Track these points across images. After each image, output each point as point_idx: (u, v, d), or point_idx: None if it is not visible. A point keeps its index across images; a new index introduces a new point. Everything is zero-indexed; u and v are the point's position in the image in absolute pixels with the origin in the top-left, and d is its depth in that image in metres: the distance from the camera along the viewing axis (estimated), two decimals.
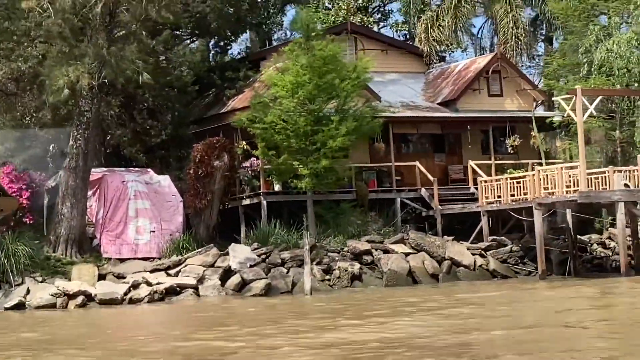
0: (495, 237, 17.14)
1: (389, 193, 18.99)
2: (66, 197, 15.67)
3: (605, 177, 14.49)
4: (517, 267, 16.77)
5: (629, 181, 14.57)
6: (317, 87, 16.00)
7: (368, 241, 15.72)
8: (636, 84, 18.09)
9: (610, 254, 17.57)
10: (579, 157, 15.10)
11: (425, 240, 16.14)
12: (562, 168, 15.75)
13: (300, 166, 16.08)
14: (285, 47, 17.68)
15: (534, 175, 15.89)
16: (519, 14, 23.76)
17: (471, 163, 19.46)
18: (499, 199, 16.76)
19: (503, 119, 20.58)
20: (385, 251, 15.54)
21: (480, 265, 16.09)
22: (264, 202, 17.35)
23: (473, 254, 16.21)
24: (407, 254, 15.54)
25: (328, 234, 16.47)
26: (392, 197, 18.84)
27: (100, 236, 16.49)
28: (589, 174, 14.65)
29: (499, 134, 20.80)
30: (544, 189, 15.36)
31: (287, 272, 14.32)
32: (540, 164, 18.19)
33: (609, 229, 18.22)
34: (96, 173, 16.95)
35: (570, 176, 15.01)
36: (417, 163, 19.09)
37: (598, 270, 16.99)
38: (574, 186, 14.65)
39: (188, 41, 22.83)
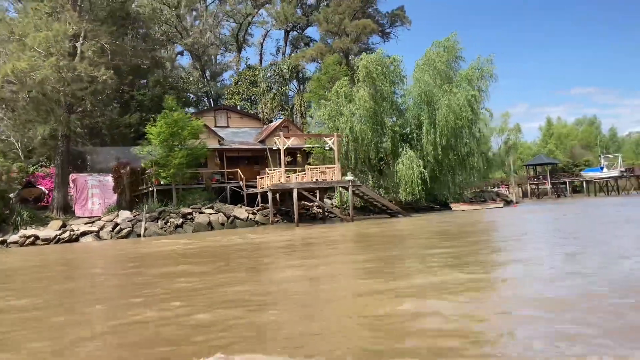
0: (264, 204, 33.45)
1: (222, 184, 35.80)
2: (56, 188, 33.64)
3: (290, 176, 30.38)
4: (273, 218, 33.12)
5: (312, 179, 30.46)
6: (169, 134, 32.62)
7: (193, 208, 32.36)
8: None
9: (321, 212, 33.51)
10: (281, 165, 30.88)
11: (223, 207, 32.66)
12: (281, 172, 31.76)
13: (162, 172, 33.01)
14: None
15: (276, 174, 31.97)
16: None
17: (267, 170, 35.92)
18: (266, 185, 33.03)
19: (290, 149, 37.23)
20: (201, 213, 32.17)
21: (250, 219, 32.40)
22: (155, 190, 34.45)
23: (247, 212, 32.57)
24: (211, 214, 32.12)
25: (180, 205, 33.36)
26: (224, 186, 35.62)
27: (75, 206, 34.41)
28: (287, 174, 30.60)
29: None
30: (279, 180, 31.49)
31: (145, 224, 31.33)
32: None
33: (327, 200, 34.18)
34: (73, 175, 34.76)
35: (283, 175, 30.99)
36: (238, 170, 35.75)
37: (312, 219, 33.02)
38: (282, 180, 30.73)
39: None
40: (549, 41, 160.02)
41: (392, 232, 21.78)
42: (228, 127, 42.34)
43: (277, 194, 33.84)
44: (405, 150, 35.99)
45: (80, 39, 29.50)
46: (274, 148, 31.29)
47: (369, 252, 14.30)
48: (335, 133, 32.18)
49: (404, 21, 51.15)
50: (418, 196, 35.77)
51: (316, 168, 30.45)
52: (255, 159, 38.27)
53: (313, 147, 37.17)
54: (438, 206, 39.75)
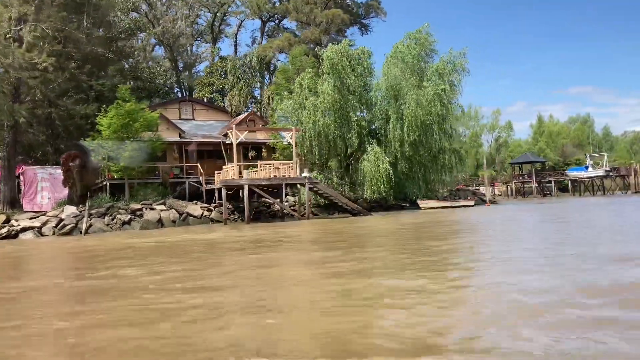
0: (221, 201, 31.92)
1: (182, 179, 34.24)
2: (3, 180, 32.08)
3: (244, 172, 28.87)
4: (230, 216, 31.54)
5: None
6: (121, 126, 31.06)
7: (144, 204, 30.85)
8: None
9: (279, 209, 32.01)
10: (234, 160, 29.36)
11: (175, 203, 31.15)
12: (234, 168, 30.21)
13: (113, 166, 31.44)
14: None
15: (229, 169, 30.43)
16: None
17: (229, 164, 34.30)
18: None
19: (255, 143, 35.68)
20: (152, 209, 30.66)
21: (205, 216, 30.89)
22: (108, 184, 32.88)
23: (202, 209, 31.05)
24: (162, 211, 30.61)
25: (132, 200, 31.83)
26: (183, 181, 34.07)
27: (23, 200, 32.87)
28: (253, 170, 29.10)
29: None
30: (231, 176, 29.94)
31: (90, 220, 29.78)
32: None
33: (290, 197, 32.64)
34: (22, 167, 33.20)
35: (235, 171, 29.46)
36: (198, 164, 34.16)
37: (271, 217, 31.51)
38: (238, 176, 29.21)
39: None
40: (547, 40, 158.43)
41: (332, 231, 20.32)
42: (193, 119, 40.84)
43: (240, 191, 32.42)
44: (372, 147, 34.52)
45: (22, 23, 27.97)
46: (227, 142, 29.73)
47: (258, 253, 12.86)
48: (293, 127, 30.63)
49: (379, 12, 49.48)
50: (384, 194, 34.36)
51: (270, 164, 28.89)
52: (219, 154, 36.68)
53: (278, 142, 35.68)
54: (408, 204, 38.34)
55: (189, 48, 55.93)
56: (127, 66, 43.81)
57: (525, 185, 71.70)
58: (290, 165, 29.29)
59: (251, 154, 37.02)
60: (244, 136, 29.04)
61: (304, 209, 30.66)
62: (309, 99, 33.83)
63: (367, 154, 34.08)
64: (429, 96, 34.90)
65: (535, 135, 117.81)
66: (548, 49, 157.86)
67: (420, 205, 36.52)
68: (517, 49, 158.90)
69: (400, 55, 36.06)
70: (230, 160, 34.89)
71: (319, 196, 31.54)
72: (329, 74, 34.07)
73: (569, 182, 68.07)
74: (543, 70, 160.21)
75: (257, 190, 27.79)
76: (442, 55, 37.58)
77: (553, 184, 69.18)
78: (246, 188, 27.92)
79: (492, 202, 48.21)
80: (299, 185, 30.70)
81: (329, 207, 35.30)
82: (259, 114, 40.56)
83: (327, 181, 34.95)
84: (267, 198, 30.03)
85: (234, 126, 29.13)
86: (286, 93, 35.83)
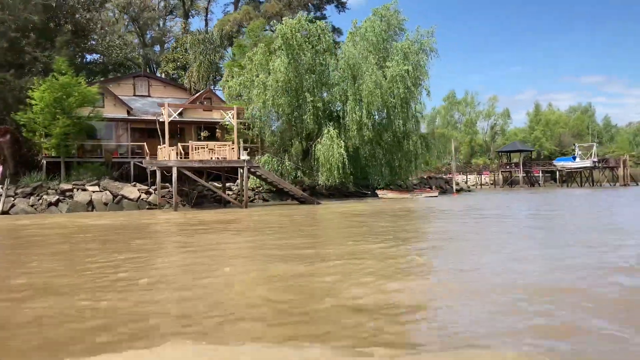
0: (165, 184, 29.89)
1: (126, 158, 32.22)
2: None
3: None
4: (170, 200, 29.52)
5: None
6: (53, 100, 28.96)
7: (75, 184, 28.87)
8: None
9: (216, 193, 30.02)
10: (166, 141, 27.27)
11: (110, 184, 29.15)
12: (166, 148, 28.07)
13: (45, 143, 29.45)
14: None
15: (163, 150, 28.35)
16: None
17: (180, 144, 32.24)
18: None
19: (208, 123, 33.54)
20: (84, 190, 28.69)
21: (142, 199, 28.88)
22: (44, 162, 30.90)
23: (140, 192, 29.02)
24: (94, 192, 28.63)
25: (68, 180, 29.86)
26: (128, 161, 32.03)
27: None
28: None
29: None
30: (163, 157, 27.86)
31: (14, 200, 27.80)
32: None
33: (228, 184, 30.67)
34: None
35: (166, 152, 27.37)
36: (144, 144, 32.10)
37: (216, 202, 29.56)
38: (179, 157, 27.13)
39: None
40: (558, 28, 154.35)
41: (249, 221, 18.31)
42: (149, 96, 38.59)
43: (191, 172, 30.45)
44: (328, 130, 32.36)
45: None
46: (160, 120, 27.66)
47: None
48: (235, 106, 28.48)
49: None
50: (338, 180, 32.27)
51: (204, 145, 26.79)
52: (170, 133, 34.60)
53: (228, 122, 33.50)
54: (369, 192, 36.27)
55: (161, 23, 53.60)
56: (93, 42, 41.62)
57: (512, 175, 69.26)
58: (232, 147, 27.19)
59: (203, 134, 34.96)
60: (177, 114, 26.82)
61: (253, 195, 28.75)
62: (260, 76, 31.57)
63: (320, 138, 31.93)
64: (390, 77, 32.62)
65: (531, 123, 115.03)
66: (560, 37, 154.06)
67: (379, 195, 34.43)
68: (527, 33, 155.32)
69: (361, 32, 33.67)
70: (195, 139, 32.96)
71: (263, 182, 29.48)
72: (281, 49, 31.75)
73: (557, 172, 65.55)
74: (554, 58, 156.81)
75: (187, 173, 25.71)
76: (408, 34, 35.14)
77: (541, 174, 66.75)
78: (174, 171, 25.88)
79: (467, 191, 46.09)
80: (240, 170, 28.62)
81: (282, 194, 33.32)
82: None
83: (280, 165, 32.88)
84: (200, 182, 27.86)
85: (166, 103, 26.98)
86: (236, 70, 33.57)
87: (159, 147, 28.23)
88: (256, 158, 32.58)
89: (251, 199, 31.25)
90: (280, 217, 20.32)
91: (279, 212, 23.58)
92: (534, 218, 18.44)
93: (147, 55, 47.68)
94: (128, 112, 34.80)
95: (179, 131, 35.40)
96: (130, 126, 34.03)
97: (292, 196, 30.81)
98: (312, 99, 32.44)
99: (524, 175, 68.81)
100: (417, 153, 36.07)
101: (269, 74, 31.71)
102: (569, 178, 63.22)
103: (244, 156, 26.67)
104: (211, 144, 26.78)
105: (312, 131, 32.87)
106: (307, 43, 32.74)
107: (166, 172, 27.81)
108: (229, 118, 27.46)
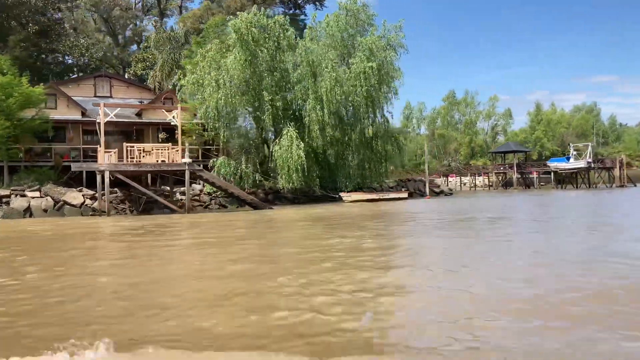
0: (113, 189, 28.25)
1: (77, 162, 30.66)
2: None
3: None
4: (118, 206, 27.91)
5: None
6: None
7: (13, 189, 27.33)
8: None
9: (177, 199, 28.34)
10: (101, 144, 25.68)
11: (52, 190, 27.57)
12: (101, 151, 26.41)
13: None
14: None
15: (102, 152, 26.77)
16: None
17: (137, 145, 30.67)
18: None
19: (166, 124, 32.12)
20: (22, 195, 27.16)
21: (86, 205, 27.24)
22: None
23: (85, 197, 27.38)
24: (34, 198, 27.07)
25: (13, 185, 28.38)
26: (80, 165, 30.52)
27: None
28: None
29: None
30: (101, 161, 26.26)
31: None
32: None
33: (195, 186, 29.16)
34: None
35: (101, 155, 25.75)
36: (98, 147, 30.52)
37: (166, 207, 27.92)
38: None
39: None
40: (569, 27, 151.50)
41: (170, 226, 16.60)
42: (111, 97, 37.04)
43: (142, 177, 28.95)
44: (287, 130, 30.64)
45: None
46: (97, 121, 26.10)
47: None
48: (179, 106, 26.87)
49: None
50: (298, 184, 30.55)
51: (140, 148, 25.15)
52: (128, 135, 33.06)
53: (187, 122, 31.85)
54: (337, 195, 34.45)
55: (138, 22, 52.24)
56: (56, 42, 40.22)
57: (507, 176, 67.01)
58: (175, 149, 25.58)
59: (161, 135, 33.36)
60: (114, 114, 25.22)
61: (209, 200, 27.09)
62: (212, 74, 29.89)
63: (279, 139, 30.21)
64: (355, 74, 30.86)
65: (532, 123, 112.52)
66: (571, 34, 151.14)
67: (343, 198, 32.61)
68: (538, 32, 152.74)
69: (322, 27, 31.94)
70: (154, 141, 31.50)
71: (213, 187, 27.83)
72: (235, 46, 30.08)
73: (552, 173, 63.16)
74: (565, 58, 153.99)
75: (122, 177, 24.09)
76: (373, 29, 33.29)
77: (535, 176, 64.37)
78: (106, 175, 24.29)
79: (448, 194, 44.11)
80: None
81: (241, 199, 31.80)
82: None
83: (238, 169, 31.20)
84: (137, 187, 26.07)
85: (101, 103, 25.45)
86: (189, 67, 31.96)
87: (98, 149, 26.62)
88: (211, 161, 31.00)
89: (206, 204, 29.63)
90: (205, 226, 18.60)
91: (216, 219, 21.86)
92: (447, 227, 16.47)
93: (119, 55, 46.26)
94: (83, 114, 33.31)
95: (135, 133, 33.85)
96: (84, 128, 32.42)
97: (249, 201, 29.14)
98: (270, 98, 30.73)
99: (519, 176, 66.55)
100: (386, 154, 34.23)
101: (227, 72, 30.01)
102: (565, 179, 60.79)
103: (186, 159, 25.00)
104: (148, 146, 25.15)
105: (272, 132, 31.14)
106: (266, 39, 31.07)
107: (111, 177, 26.21)
108: (173, 118, 25.78)
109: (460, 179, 73.75)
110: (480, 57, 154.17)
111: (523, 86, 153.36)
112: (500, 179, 68.18)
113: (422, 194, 41.70)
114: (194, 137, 32.29)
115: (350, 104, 31.42)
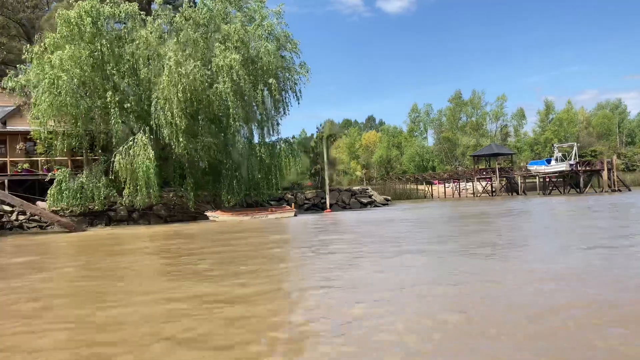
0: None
1: None
2: None
3: None
4: None
5: None
6: None
7: None
8: None
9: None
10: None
11: None
12: None
13: None
14: None
15: None
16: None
17: None
18: None
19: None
20: None
21: None
22: None
23: None
24: None
25: None
26: None
27: None
28: None
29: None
30: None
31: None
32: None
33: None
34: None
35: None
36: None
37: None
38: None
39: None
40: (622, 22, 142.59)
41: None
42: None
43: None
44: (137, 136, 26.02)
45: None
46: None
47: None
48: None
49: None
50: (148, 200, 25.86)
51: None
52: None
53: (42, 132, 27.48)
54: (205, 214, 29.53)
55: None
56: None
57: (491, 182, 60.33)
58: None
59: (19, 146, 29.38)
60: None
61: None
62: (39, 73, 25.53)
63: (122, 146, 25.56)
64: (216, 69, 26.01)
65: (541, 123, 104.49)
66: (624, 29, 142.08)
67: (210, 217, 27.60)
68: (589, 28, 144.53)
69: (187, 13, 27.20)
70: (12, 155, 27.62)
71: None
72: (66, 39, 25.66)
73: (537, 178, 56.06)
74: (618, 55, 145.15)
75: None
76: (240, 15, 28.21)
77: (519, 180, 57.34)
78: None
79: (381, 204, 38.29)
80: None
81: (98, 215, 27.43)
82: None
83: (82, 183, 26.74)
84: None
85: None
86: (22, 65, 27.79)
87: None
88: (49, 174, 26.68)
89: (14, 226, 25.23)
90: None
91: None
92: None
93: None
94: None
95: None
96: None
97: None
98: (116, 99, 26.13)
99: (506, 182, 59.84)
100: (272, 163, 29.12)
101: (60, 69, 25.60)
102: (548, 184, 53.65)
103: None
104: None
105: (119, 138, 26.48)
106: (112, 32, 26.56)
107: None
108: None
109: (445, 185, 67.32)
110: (528, 57, 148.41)
111: (571, 86, 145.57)
112: (484, 185, 61.51)
113: (345, 206, 36.20)
114: (44, 147, 28.14)
115: (216, 106, 26.51)
